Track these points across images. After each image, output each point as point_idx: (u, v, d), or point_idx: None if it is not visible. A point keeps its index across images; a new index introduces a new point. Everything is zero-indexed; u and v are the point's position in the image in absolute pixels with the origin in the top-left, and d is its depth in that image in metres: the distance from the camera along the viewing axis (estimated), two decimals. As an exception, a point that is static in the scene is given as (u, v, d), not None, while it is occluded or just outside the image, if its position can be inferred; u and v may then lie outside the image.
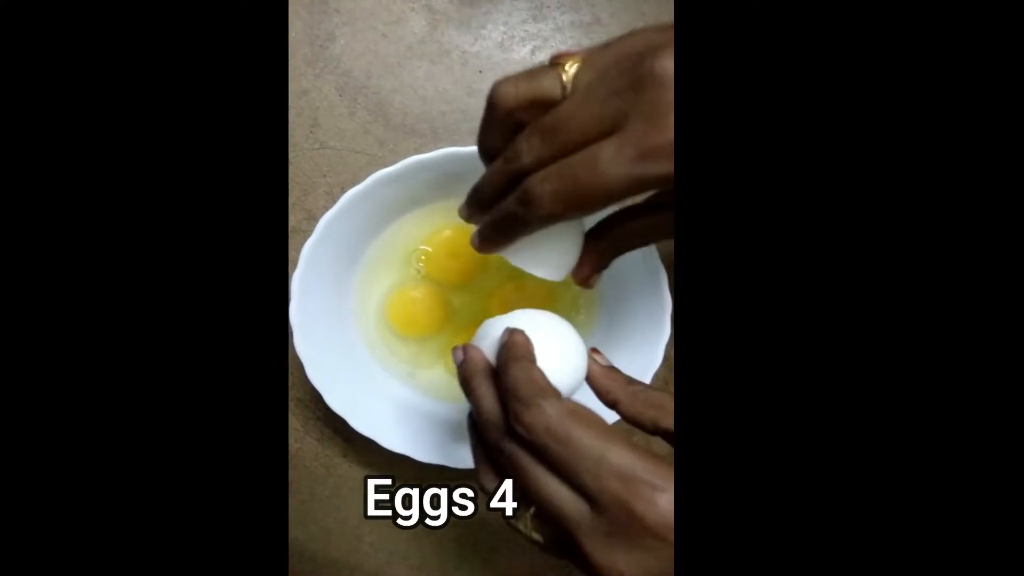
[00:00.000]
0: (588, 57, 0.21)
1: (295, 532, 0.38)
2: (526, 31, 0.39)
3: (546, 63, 0.22)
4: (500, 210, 0.23)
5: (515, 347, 0.23)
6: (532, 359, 0.23)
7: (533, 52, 0.39)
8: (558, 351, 0.24)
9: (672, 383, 0.38)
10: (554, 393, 0.22)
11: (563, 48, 0.40)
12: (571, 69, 0.21)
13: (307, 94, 0.38)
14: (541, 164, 0.21)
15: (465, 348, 0.25)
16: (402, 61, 0.39)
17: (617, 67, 0.20)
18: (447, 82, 0.39)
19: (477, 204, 0.25)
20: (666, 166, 0.19)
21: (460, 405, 0.36)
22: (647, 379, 0.32)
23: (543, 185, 0.21)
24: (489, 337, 0.25)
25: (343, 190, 0.31)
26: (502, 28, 0.39)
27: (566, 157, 0.21)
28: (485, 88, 0.39)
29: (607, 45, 0.22)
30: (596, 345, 0.36)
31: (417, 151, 0.31)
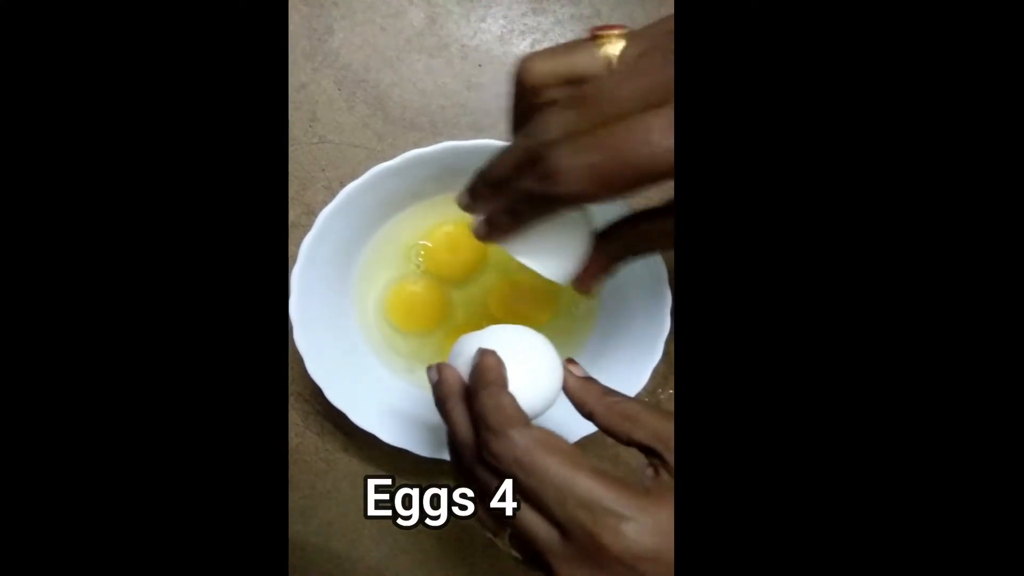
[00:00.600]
0: (634, 34, 0.20)
1: (296, 526, 0.38)
2: (526, 24, 0.39)
3: (582, 37, 0.20)
4: (515, 190, 0.21)
5: (486, 372, 0.23)
6: (503, 384, 0.23)
7: (533, 46, 0.39)
8: (531, 369, 0.24)
9: (671, 378, 0.38)
10: (523, 421, 0.22)
11: (562, 41, 0.39)
12: (618, 44, 0.19)
13: (305, 88, 0.38)
14: (571, 137, 0.19)
15: (439, 368, 0.25)
16: (401, 55, 0.39)
17: (672, 40, 0.18)
18: (446, 76, 0.39)
19: (485, 186, 0.22)
20: None
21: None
22: (646, 374, 0.32)
23: (574, 158, 0.19)
24: (464, 355, 0.24)
25: (342, 184, 0.31)
26: (502, 21, 0.39)
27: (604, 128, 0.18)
28: (485, 82, 0.39)
29: (653, 24, 0.20)
30: (595, 341, 0.36)
31: (416, 145, 0.31)
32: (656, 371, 0.33)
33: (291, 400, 0.38)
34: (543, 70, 0.20)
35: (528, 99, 0.21)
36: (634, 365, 0.32)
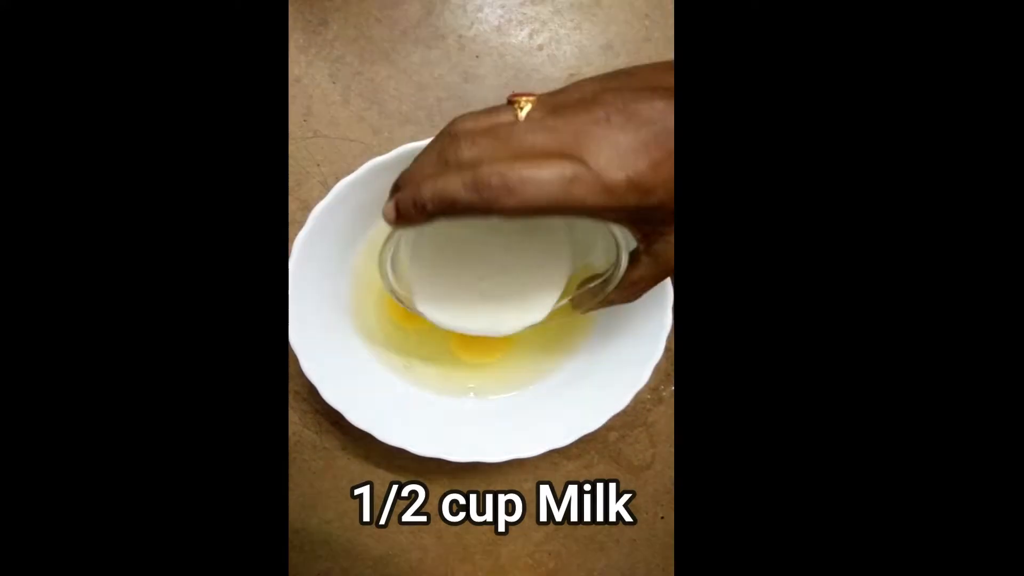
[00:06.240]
0: (541, 98, 0.23)
1: (294, 525, 0.37)
2: (524, 14, 0.39)
3: (505, 99, 0.24)
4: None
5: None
6: None
7: (531, 35, 0.39)
8: None
9: (672, 374, 0.37)
10: None
11: (562, 31, 0.39)
12: (525, 107, 0.23)
13: (299, 81, 0.37)
14: (478, 152, 0.22)
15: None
16: (397, 46, 0.38)
17: (571, 106, 0.22)
18: (443, 68, 0.38)
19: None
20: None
21: (457, 399, 0.36)
22: (648, 370, 0.32)
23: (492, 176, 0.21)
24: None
25: (337, 179, 0.31)
26: (499, 11, 0.38)
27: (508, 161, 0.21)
28: (482, 74, 0.38)
29: (559, 91, 0.24)
30: (597, 337, 0.36)
31: (413, 139, 0.31)
32: (658, 368, 0.32)
33: (289, 399, 0.37)
34: (472, 125, 0.23)
35: (446, 142, 0.24)
36: (636, 361, 0.32)
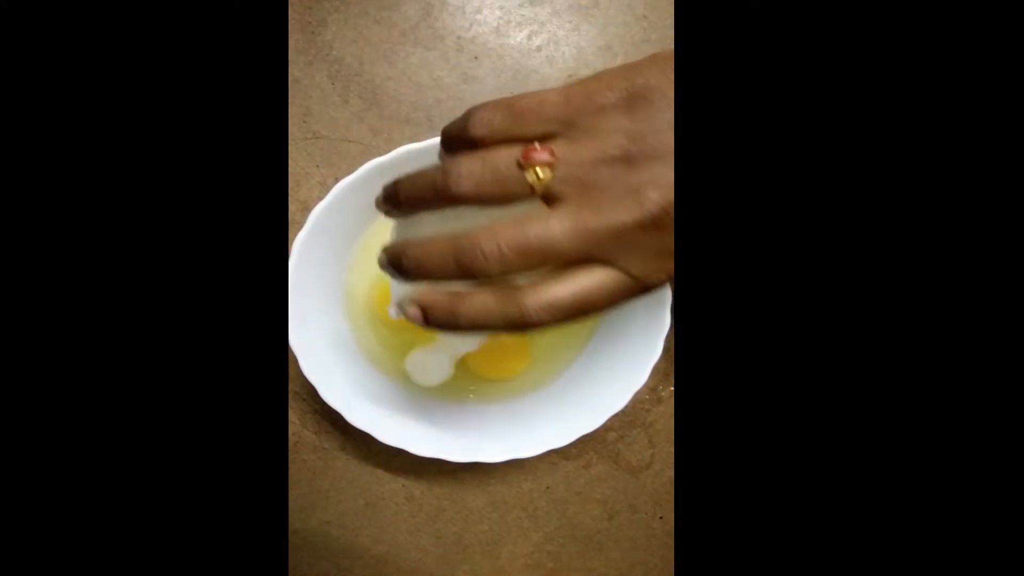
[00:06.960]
0: (560, 160, 0.20)
1: (294, 525, 0.37)
2: (523, 15, 0.39)
3: (513, 158, 0.20)
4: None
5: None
6: None
7: (530, 37, 0.39)
8: None
9: (672, 375, 0.37)
10: None
11: (560, 32, 0.39)
12: (543, 176, 0.20)
13: (299, 82, 0.38)
14: (505, 269, 0.20)
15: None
16: (395, 47, 0.38)
17: (604, 183, 0.19)
18: (442, 69, 0.38)
19: (400, 271, 0.22)
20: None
21: (446, 402, 0.36)
22: (646, 370, 0.32)
23: (534, 306, 0.20)
24: None
25: (337, 180, 0.31)
26: (498, 13, 0.39)
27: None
28: (480, 75, 0.38)
29: (576, 141, 0.20)
30: (596, 338, 0.36)
31: (412, 140, 0.31)
32: (657, 368, 0.32)
33: (288, 399, 0.37)
34: (472, 189, 0.20)
35: (444, 200, 0.21)
36: (634, 362, 0.32)
